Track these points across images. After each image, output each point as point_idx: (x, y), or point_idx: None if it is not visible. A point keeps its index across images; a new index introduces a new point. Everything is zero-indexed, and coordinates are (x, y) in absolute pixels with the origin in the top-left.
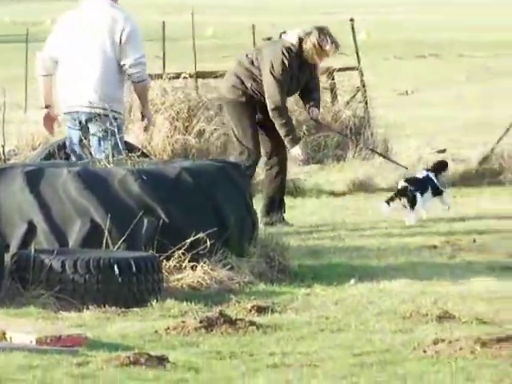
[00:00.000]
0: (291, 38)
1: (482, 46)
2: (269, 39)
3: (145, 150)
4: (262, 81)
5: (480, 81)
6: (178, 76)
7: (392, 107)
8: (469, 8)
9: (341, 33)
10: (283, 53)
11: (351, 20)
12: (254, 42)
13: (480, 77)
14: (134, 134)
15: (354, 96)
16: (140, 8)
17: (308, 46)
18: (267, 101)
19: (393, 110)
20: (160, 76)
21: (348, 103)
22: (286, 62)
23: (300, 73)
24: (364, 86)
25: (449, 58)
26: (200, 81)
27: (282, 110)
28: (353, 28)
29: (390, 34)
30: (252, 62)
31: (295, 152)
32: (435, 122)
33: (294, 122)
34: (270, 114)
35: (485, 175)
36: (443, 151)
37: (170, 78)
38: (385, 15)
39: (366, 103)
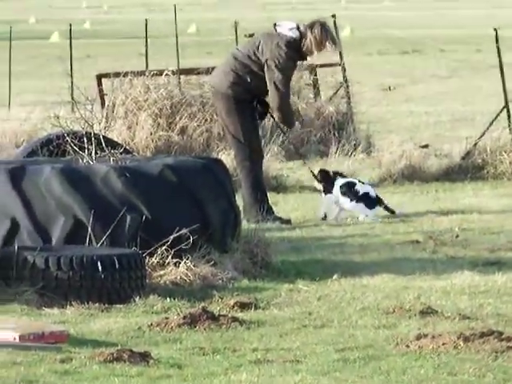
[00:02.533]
0: (291, 32)
1: (464, 42)
2: (251, 36)
3: (128, 147)
4: (262, 76)
5: (462, 76)
6: (160, 73)
7: (375, 103)
8: (444, 4)
9: None
10: (287, 47)
11: (333, 16)
12: (237, 39)
13: (462, 72)
14: (116, 131)
15: (337, 92)
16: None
17: (309, 38)
18: (274, 97)
19: (376, 105)
20: (143, 73)
21: (331, 99)
22: (291, 56)
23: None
24: (347, 81)
25: (431, 53)
26: (183, 77)
27: (289, 105)
28: (335, 24)
29: (372, 30)
30: (249, 57)
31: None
32: (418, 117)
33: None
34: (277, 108)
35: (468, 170)
36: (426, 146)
37: (152, 75)
38: (365, 11)
39: (349, 98)
